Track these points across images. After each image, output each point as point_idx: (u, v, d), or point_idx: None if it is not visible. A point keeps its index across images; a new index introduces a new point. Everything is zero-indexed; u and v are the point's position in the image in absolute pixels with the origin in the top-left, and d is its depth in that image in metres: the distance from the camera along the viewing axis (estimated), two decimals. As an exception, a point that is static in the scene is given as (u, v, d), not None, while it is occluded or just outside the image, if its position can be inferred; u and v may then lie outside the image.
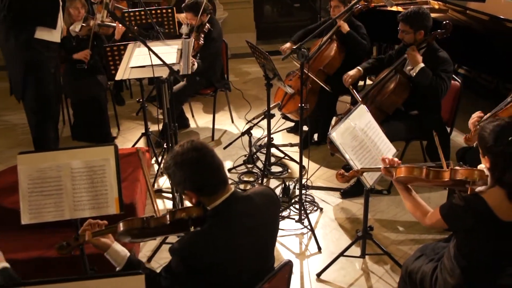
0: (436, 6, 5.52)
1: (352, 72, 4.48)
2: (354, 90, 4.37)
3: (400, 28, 4.10)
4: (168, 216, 2.29)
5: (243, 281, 2.22)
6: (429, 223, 2.56)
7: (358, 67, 4.50)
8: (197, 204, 2.27)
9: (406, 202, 2.71)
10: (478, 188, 2.39)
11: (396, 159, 2.81)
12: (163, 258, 3.68)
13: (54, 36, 4.19)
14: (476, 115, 3.47)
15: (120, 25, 5.00)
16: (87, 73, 5.12)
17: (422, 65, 3.97)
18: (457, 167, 2.55)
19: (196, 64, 4.89)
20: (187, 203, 2.41)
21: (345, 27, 4.84)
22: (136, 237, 2.39)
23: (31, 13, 4.03)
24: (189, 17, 5.16)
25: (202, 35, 5.14)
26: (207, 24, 5.16)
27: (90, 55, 5.03)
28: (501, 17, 4.87)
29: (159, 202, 4.39)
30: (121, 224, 2.31)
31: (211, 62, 5.20)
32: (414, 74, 3.99)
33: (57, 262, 3.34)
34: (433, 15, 5.19)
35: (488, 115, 3.41)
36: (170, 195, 4.32)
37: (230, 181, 4.35)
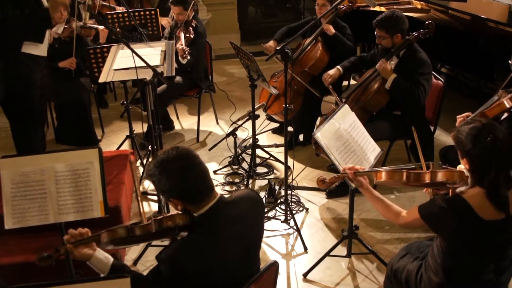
0: (419, 6, 5.56)
1: (331, 72, 4.49)
2: (334, 91, 4.38)
3: (377, 34, 4.12)
4: (153, 224, 2.23)
5: (230, 284, 2.21)
6: (404, 222, 2.56)
7: (338, 67, 4.51)
8: (183, 211, 2.24)
9: (377, 206, 2.71)
10: (459, 189, 2.41)
11: (357, 166, 2.81)
12: (149, 261, 3.66)
13: (40, 50, 4.11)
14: (465, 114, 3.52)
15: (104, 27, 4.94)
16: (70, 75, 5.07)
17: (394, 75, 4.01)
18: (437, 170, 2.56)
19: (189, 56, 4.85)
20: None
21: (331, 30, 4.82)
22: (119, 245, 2.35)
23: (21, 29, 3.93)
24: (178, 11, 5.08)
25: (191, 29, 5.10)
26: (194, 20, 5.14)
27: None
28: (483, 16, 4.93)
29: (144, 204, 4.36)
30: (104, 234, 2.23)
31: (196, 58, 5.16)
32: (389, 86, 4.03)
33: (43, 267, 3.30)
34: (415, 15, 5.25)
35: (476, 113, 3.45)
36: (155, 197, 4.30)
37: (215, 183, 4.37)
